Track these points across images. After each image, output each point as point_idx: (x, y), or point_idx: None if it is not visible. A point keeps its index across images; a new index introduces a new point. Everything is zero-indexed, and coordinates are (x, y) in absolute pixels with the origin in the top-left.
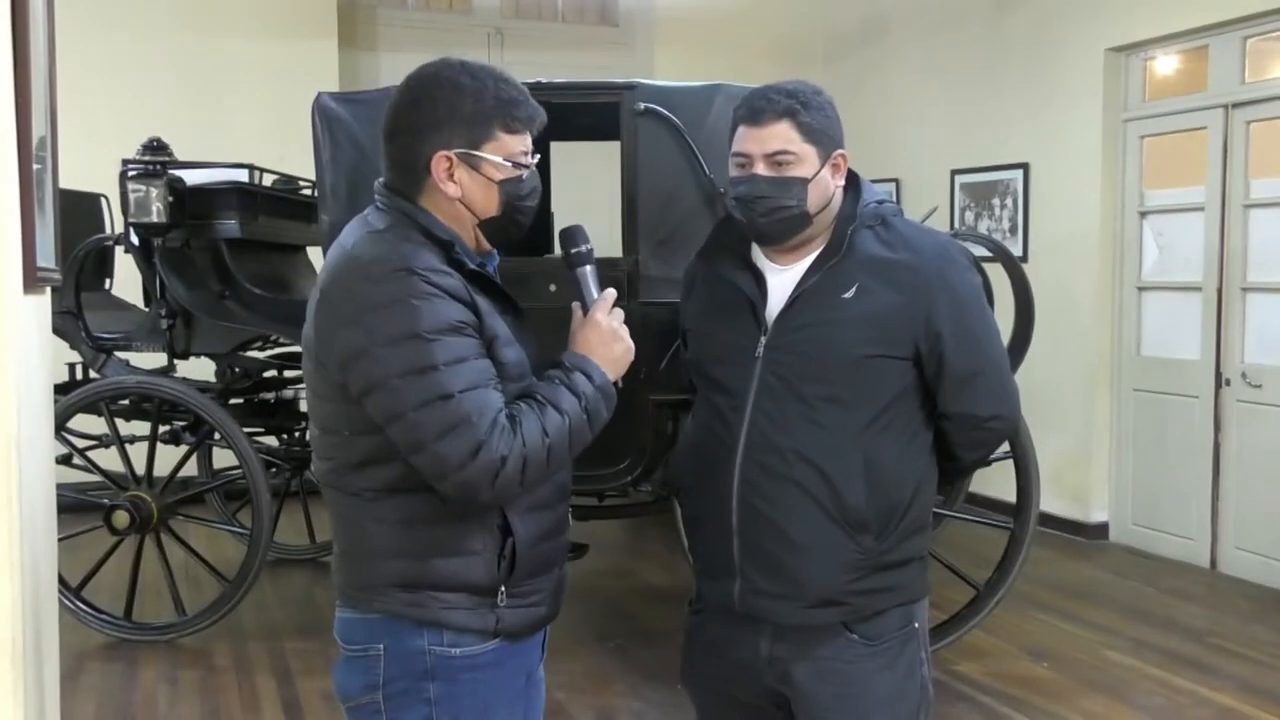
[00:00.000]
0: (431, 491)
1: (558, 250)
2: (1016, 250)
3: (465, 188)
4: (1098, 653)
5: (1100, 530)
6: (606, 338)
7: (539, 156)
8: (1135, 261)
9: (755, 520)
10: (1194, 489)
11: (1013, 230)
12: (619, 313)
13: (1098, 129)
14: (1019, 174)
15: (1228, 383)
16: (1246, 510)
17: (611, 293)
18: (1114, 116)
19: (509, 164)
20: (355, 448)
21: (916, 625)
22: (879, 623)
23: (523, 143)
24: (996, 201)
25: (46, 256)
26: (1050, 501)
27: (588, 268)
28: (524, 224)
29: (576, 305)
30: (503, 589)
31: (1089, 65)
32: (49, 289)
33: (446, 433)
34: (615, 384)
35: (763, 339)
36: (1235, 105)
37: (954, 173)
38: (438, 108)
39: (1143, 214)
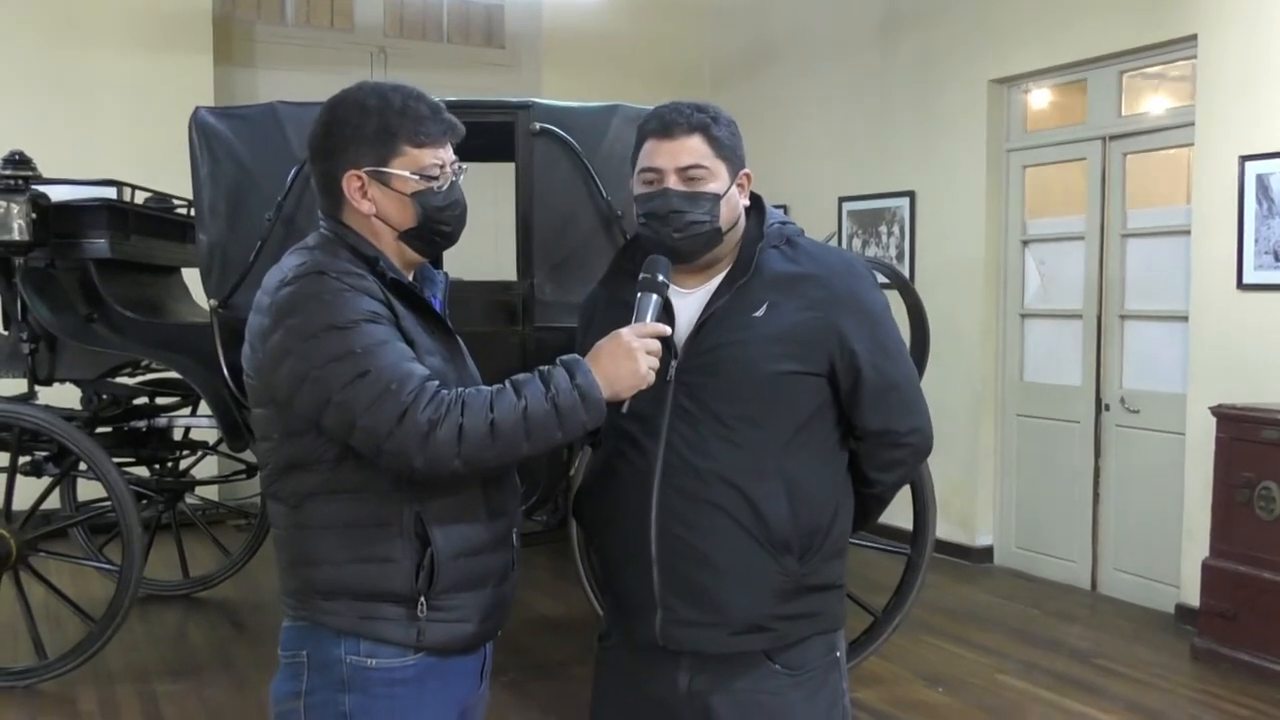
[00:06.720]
0: (351, 496)
1: None
2: None
3: (379, 204)
4: (990, 676)
5: (985, 554)
6: (618, 353)
7: (464, 168)
8: (1018, 289)
9: (676, 547)
10: (1075, 512)
11: (900, 257)
12: (652, 343)
13: (981, 159)
14: (906, 202)
15: (1107, 408)
16: (1125, 533)
17: (661, 328)
18: (997, 147)
19: (417, 177)
20: (283, 452)
21: (838, 654)
22: (801, 651)
23: (434, 155)
24: (884, 229)
25: None
26: (937, 526)
27: (653, 297)
28: (448, 233)
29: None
30: (423, 599)
31: (972, 97)
32: None
33: (371, 405)
34: (621, 402)
35: (674, 362)
36: (1113, 137)
37: (842, 200)
38: (345, 130)
39: (1025, 242)
